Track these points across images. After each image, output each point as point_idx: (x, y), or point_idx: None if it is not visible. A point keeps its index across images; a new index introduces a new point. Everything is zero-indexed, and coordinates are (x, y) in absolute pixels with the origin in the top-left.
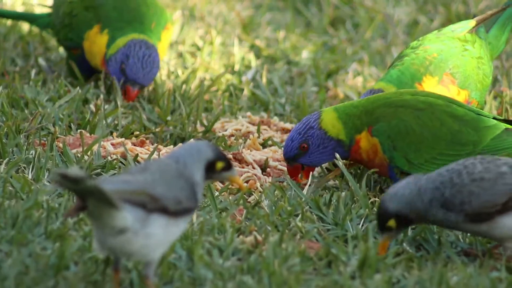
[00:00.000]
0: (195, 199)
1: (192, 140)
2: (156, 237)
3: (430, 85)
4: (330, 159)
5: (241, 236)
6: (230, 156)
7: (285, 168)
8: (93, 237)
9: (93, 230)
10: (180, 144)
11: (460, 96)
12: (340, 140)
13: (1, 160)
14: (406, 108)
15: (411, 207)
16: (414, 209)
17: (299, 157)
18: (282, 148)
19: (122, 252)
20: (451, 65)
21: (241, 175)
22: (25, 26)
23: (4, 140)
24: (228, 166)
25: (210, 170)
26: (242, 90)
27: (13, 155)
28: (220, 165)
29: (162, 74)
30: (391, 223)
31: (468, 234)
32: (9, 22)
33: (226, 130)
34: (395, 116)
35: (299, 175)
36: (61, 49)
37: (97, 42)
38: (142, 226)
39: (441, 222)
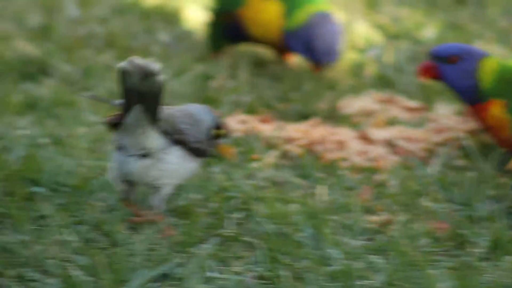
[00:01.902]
0: (212, 146)
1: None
2: (172, 166)
3: None
4: (458, 89)
5: (368, 215)
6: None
7: (411, 147)
8: (111, 167)
9: (114, 156)
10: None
11: None
12: (480, 88)
13: None
14: None
15: None
16: None
17: (442, 62)
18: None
19: (139, 176)
20: None
21: (367, 153)
22: (147, 0)
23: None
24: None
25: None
26: (366, 67)
27: None
28: (221, 132)
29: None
30: None
31: None
32: None
33: (350, 108)
34: None
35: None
36: (184, 23)
37: (266, 11)
38: (163, 154)
39: None
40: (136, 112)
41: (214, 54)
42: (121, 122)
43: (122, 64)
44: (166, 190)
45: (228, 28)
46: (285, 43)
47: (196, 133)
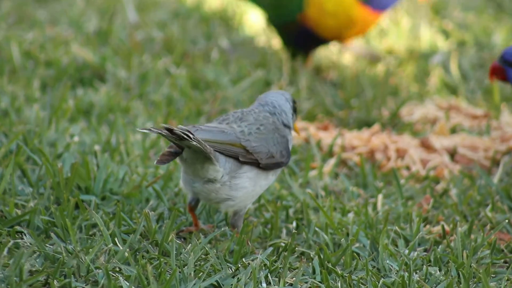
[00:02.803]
0: (287, 153)
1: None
2: (244, 189)
3: None
4: None
5: (427, 226)
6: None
7: (474, 156)
8: (181, 176)
9: (181, 171)
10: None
11: None
12: None
13: None
14: None
15: None
16: None
17: (509, 66)
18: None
19: (208, 198)
20: None
21: (428, 162)
22: (206, 5)
23: (183, 122)
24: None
25: (292, 118)
26: (430, 73)
27: None
28: (296, 105)
29: (346, 57)
30: None
31: None
32: (191, 0)
33: (412, 115)
34: None
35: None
36: (244, 29)
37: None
38: (232, 178)
39: None
40: (188, 152)
41: (295, 61)
42: (177, 156)
43: (154, 130)
44: (243, 210)
45: (296, 36)
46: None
47: (270, 145)
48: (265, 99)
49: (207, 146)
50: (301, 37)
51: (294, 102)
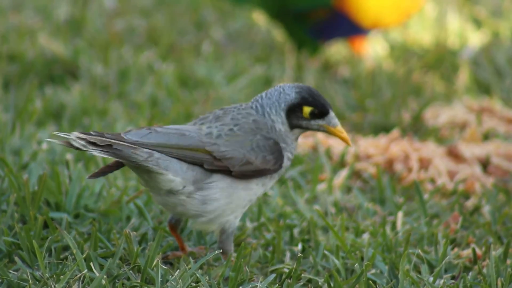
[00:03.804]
0: (276, 158)
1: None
2: (216, 202)
3: None
4: None
5: (456, 249)
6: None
7: (510, 167)
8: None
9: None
10: None
11: None
12: None
13: None
14: None
15: None
16: None
17: None
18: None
19: (177, 212)
20: None
21: (457, 174)
22: None
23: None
24: (322, 112)
25: (296, 116)
26: (459, 69)
27: None
28: (307, 110)
29: (361, 47)
30: None
31: None
32: None
33: (438, 119)
34: None
35: None
36: (241, 17)
37: None
38: (198, 189)
39: None
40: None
41: (314, 57)
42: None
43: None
44: (230, 228)
45: (322, 27)
46: None
47: (246, 149)
48: (259, 96)
49: (138, 153)
50: (331, 26)
51: (311, 97)
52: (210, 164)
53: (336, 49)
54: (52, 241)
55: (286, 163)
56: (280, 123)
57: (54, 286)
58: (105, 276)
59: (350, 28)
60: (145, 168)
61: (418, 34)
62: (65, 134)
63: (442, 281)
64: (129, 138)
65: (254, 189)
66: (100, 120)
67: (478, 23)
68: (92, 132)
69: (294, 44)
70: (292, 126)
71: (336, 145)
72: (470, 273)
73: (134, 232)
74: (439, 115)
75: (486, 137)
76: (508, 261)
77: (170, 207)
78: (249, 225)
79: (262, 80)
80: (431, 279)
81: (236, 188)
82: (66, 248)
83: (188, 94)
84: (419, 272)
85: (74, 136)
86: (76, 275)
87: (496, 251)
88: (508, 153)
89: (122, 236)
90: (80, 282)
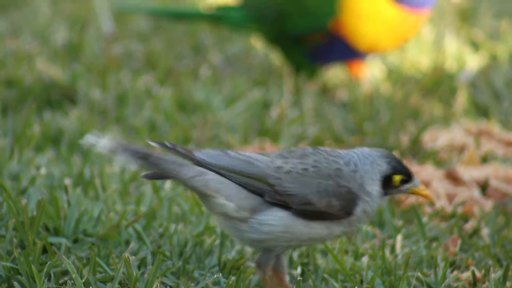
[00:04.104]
0: (345, 207)
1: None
2: (272, 227)
3: None
4: None
5: (455, 272)
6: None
7: (509, 190)
8: None
9: None
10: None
11: None
12: None
13: None
14: None
15: None
16: None
17: None
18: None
19: (234, 236)
20: None
21: (455, 197)
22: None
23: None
24: (409, 177)
25: (387, 184)
26: (457, 92)
27: None
28: (397, 178)
29: (359, 70)
30: None
31: None
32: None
33: (436, 142)
34: None
35: None
36: (239, 41)
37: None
38: (255, 214)
39: None
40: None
41: (312, 81)
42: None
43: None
44: (275, 251)
45: (319, 51)
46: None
47: (310, 191)
48: (351, 151)
49: (182, 169)
50: (329, 50)
51: (400, 166)
52: (271, 197)
53: (334, 73)
54: (51, 266)
55: (359, 213)
56: (376, 191)
57: None
58: None
59: (347, 51)
60: (190, 187)
61: (416, 57)
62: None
63: None
64: (198, 155)
65: (316, 229)
66: None
67: (475, 46)
68: (167, 144)
69: (292, 67)
70: (384, 194)
71: None
72: None
73: (133, 257)
74: (438, 138)
75: (485, 160)
76: (508, 284)
77: (227, 230)
78: (248, 249)
79: (260, 104)
80: None
81: (295, 222)
82: (65, 273)
83: (186, 118)
84: None
85: (106, 141)
86: None
87: (496, 274)
88: (507, 176)
89: (121, 260)
90: None
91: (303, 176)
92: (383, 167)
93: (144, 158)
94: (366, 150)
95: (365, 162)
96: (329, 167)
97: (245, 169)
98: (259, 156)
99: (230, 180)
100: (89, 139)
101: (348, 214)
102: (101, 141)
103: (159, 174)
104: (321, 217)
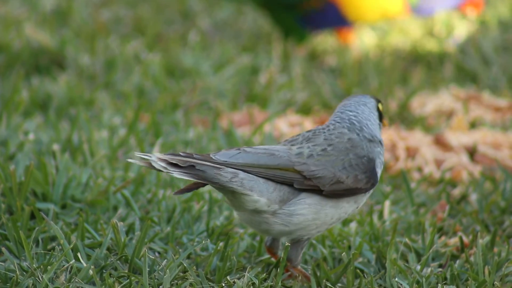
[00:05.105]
0: (368, 177)
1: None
2: (301, 217)
3: None
4: None
5: (443, 237)
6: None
7: (497, 155)
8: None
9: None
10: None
11: None
12: None
13: (155, 140)
14: None
15: None
16: None
17: None
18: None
19: (261, 230)
20: None
21: (444, 162)
22: None
23: (157, 117)
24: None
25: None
26: (445, 58)
27: (169, 134)
28: (380, 106)
29: (348, 37)
30: None
31: None
32: None
33: (425, 108)
34: None
35: None
36: (227, 7)
37: None
38: (284, 205)
39: None
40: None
41: (301, 46)
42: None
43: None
44: (304, 242)
45: (312, 17)
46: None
47: (337, 169)
48: (342, 113)
49: (222, 174)
50: (321, 16)
51: (379, 104)
52: (300, 183)
53: (323, 39)
54: (39, 232)
55: (379, 174)
56: (379, 135)
57: (42, 277)
58: (92, 266)
59: (338, 19)
60: (229, 189)
61: (405, 23)
62: (146, 155)
63: (429, 269)
64: (218, 158)
65: (345, 207)
66: (87, 110)
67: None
68: (181, 153)
69: (281, 32)
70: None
71: None
72: (458, 261)
73: (121, 222)
74: (426, 104)
75: (473, 125)
76: (495, 249)
77: (254, 225)
78: (236, 215)
79: (249, 69)
80: (419, 267)
81: (325, 205)
82: (53, 238)
83: (175, 84)
84: (407, 261)
85: (155, 158)
86: (64, 266)
87: (483, 239)
88: (495, 141)
89: (109, 226)
90: (68, 273)
91: (325, 156)
92: (373, 102)
93: (191, 168)
94: (349, 102)
95: (363, 110)
96: (341, 140)
97: (270, 162)
98: (276, 146)
99: (257, 175)
100: (137, 156)
101: (372, 185)
102: (153, 158)
103: (188, 189)
104: (349, 194)
